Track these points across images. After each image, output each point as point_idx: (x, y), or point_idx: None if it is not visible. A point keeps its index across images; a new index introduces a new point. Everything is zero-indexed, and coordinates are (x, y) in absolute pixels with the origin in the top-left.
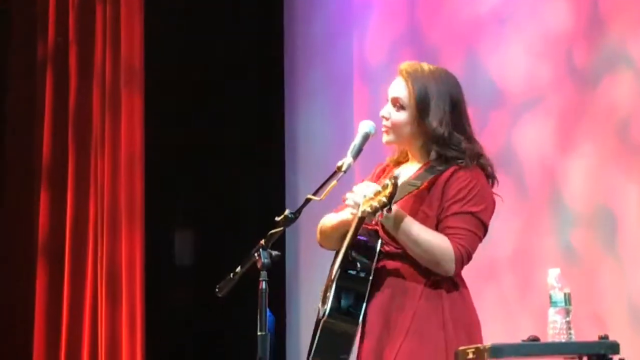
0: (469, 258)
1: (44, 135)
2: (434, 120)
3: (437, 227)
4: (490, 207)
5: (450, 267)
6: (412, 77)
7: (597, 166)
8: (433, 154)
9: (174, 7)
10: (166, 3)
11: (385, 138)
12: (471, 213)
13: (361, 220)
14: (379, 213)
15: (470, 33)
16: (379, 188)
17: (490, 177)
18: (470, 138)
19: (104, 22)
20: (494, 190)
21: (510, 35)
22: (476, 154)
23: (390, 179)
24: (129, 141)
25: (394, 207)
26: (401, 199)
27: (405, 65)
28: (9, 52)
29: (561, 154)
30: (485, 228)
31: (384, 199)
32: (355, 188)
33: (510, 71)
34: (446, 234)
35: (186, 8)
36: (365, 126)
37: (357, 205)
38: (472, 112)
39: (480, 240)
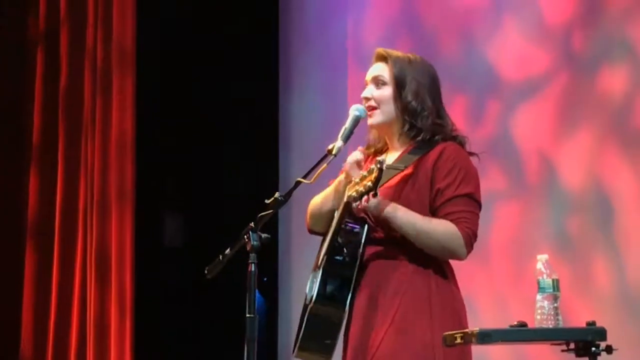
0: (475, 238)
1: (34, 116)
2: (409, 94)
3: (431, 211)
4: (478, 183)
5: (462, 252)
6: (390, 56)
7: (593, 153)
8: (406, 127)
9: None
10: None
11: (371, 120)
12: (466, 195)
13: (347, 205)
14: (364, 197)
15: (467, 18)
16: (365, 173)
17: (469, 153)
18: (442, 115)
19: (95, 1)
20: (486, 168)
21: (506, 20)
22: (450, 131)
23: (375, 164)
24: (120, 123)
25: (390, 206)
26: (386, 182)
27: (381, 49)
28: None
29: (557, 140)
30: (480, 205)
31: (370, 184)
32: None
33: (507, 57)
34: (450, 220)
35: None
36: (355, 110)
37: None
38: (468, 98)
39: (478, 218)
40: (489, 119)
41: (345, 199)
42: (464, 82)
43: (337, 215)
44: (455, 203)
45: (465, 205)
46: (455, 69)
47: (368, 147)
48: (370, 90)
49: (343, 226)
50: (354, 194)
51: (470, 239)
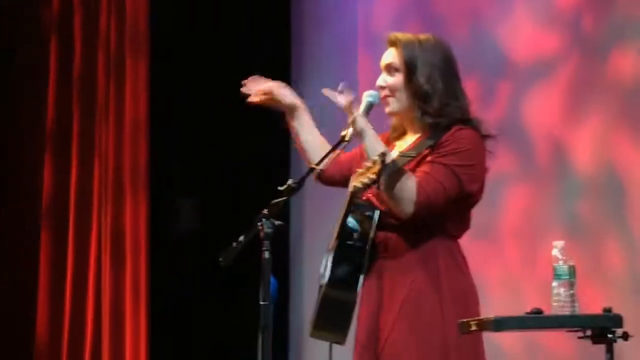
0: (429, 206)
1: (49, 101)
2: (421, 77)
3: None
4: (477, 170)
5: (409, 209)
6: (400, 41)
7: (604, 136)
8: (419, 113)
9: None
10: None
11: (387, 109)
12: (444, 164)
13: (352, 195)
14: (369, 189)
15: (477, 1)
16: (369, 164)
17: (485, 136)
18: (457, 94)
19: None
20: (496, 152)
21: (517, 2)
22: (464, 113)
23: (379, 156)
24: (134, 107)
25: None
26: None
27: (391, 34)
28: (14, 18)
29: (568, 123)
30: (459, 184)
31: (373, 176)
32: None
33: (517, 40)
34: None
35: None
36: (368, 96)
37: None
38: (478, 81)
39: (446, 193)
40: (499, 102)
41: (350, 189)
42: (473, 65)
43: (345, 204)
44: (428, 165)
45: (435, 172)
46: (465, 52)
47: (393, 131)
48: (383, 78)
49: (353, 211)
50: (359, 185)
51: (421, 202)
